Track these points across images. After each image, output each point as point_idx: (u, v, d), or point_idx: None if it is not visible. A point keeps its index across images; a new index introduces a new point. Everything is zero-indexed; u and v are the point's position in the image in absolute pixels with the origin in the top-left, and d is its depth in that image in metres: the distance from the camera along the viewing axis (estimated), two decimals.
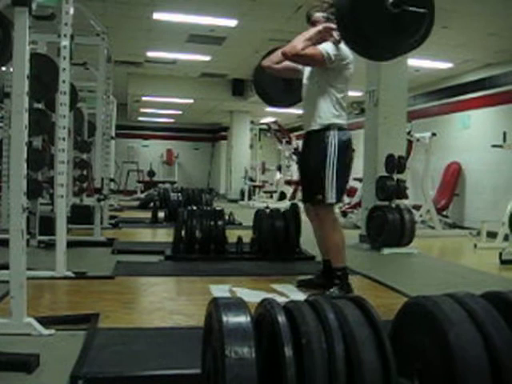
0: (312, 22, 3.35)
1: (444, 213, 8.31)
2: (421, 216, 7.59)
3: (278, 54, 3.38)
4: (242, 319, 1.24)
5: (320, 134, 3.23)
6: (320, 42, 3.19)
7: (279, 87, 3.88)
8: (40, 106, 4.78)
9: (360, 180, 7.11)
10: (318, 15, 3.35)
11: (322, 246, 3.48)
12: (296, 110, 13.72)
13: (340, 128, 3.24)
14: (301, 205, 4.27)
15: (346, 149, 3.25)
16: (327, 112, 3.23)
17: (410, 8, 2.62)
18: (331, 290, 3.14)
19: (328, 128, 3.22)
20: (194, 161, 19.03)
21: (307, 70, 3.40)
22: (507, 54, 7.28)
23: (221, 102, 12.65)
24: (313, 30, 3.23)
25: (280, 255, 4.46)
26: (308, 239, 4.21)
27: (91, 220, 5.49)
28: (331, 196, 3.18)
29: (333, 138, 3.19)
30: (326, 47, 3.17)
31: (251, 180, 13.63)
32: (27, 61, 2.31)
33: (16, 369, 1.89)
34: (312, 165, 3.28)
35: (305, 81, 3.43)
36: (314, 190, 3.23)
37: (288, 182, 12.63)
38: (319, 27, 3.22)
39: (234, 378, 1.13)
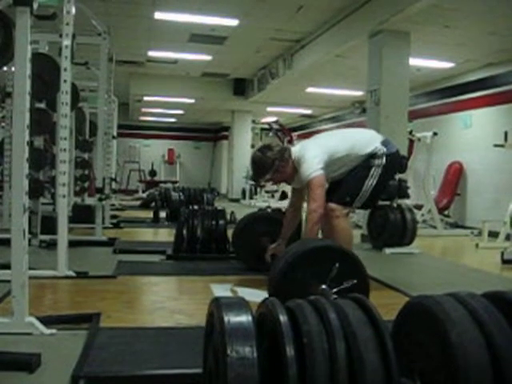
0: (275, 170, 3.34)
1: (445, 212, 8.30)
2: (422, 215, 7.58)
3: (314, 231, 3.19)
4: (244, 318, 1.24)
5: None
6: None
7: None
8: (42, 105, 4.78)
9: None
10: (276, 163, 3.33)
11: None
12: (298, 110, 13.75)
13: (387, 154, 3.37)
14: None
15: (392, 166, 3.43)
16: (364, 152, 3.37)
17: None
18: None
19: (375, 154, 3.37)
20: (195, 160, 19.06)
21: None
22: (508, 54, 7.26)
23: (222, 102, 12.64)
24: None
25: None
26: None
27: (92, 219, 5.50)
28: (359, 202, 3.36)
29: (381, 157, 3.36)
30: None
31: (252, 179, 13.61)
32: (29, 60, 2.31)
33: (17, 368, 1.89)
34: (355, 174, 3.36)
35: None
36: (347, 192, 3.33)
37: None
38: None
39: (235, 378, 1.12)
